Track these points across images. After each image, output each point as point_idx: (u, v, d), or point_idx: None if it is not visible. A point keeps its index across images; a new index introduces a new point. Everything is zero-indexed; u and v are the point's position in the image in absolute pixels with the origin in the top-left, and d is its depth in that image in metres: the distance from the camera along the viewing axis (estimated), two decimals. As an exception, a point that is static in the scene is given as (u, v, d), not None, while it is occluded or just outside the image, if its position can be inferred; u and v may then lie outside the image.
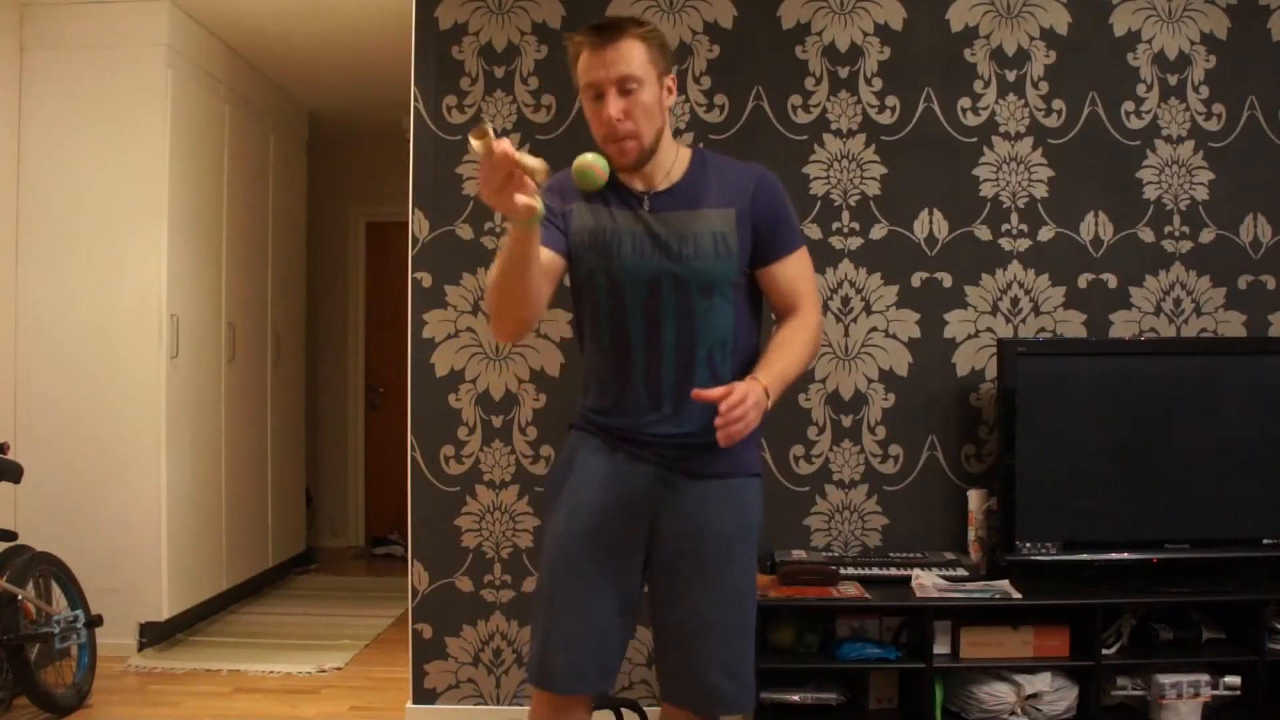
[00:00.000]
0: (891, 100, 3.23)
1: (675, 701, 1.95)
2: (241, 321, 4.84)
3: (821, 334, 2.04)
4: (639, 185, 1.92)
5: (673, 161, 1.94)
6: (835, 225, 3.22)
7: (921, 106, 3.23)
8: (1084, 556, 2.96)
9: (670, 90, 1.91)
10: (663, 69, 1.89)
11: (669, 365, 1.90)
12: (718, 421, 1.69)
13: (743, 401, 1.69)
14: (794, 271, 1.96)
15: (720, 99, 3.23)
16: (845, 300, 3.22)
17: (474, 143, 1.57)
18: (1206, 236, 3.24)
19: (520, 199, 1.58)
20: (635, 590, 1.95)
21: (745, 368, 1.92)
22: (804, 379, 3.20)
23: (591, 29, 1.86)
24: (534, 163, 1.59)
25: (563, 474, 1.99)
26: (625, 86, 1.83)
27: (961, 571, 2.95)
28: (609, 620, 1.91)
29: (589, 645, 1.90)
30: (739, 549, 1.94)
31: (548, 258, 1.85)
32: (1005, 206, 3.23)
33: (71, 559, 3.55)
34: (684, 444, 1.91)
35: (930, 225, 3.23)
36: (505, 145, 1.55)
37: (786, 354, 1.88)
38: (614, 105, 1.83)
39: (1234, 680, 2.84)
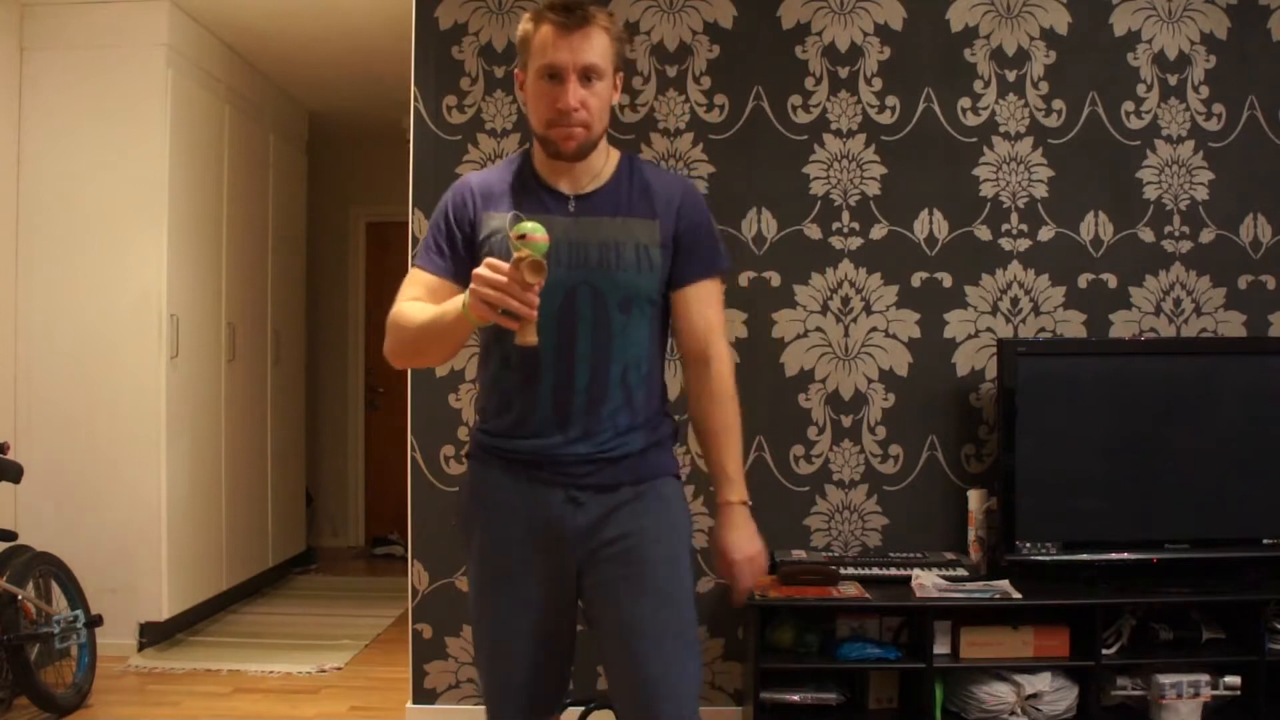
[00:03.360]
0: (891, 100, 3.23)
1: (619, 716, 1.85)
2: (241, 321, 4.84)
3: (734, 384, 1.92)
4: (564, 186, 1.81)
5: (603, 164, 1.84)
6: (835, 225, 3.22)
7: (921, 106, 3.23)
8: (1084, 556, 2.96)
9: (617, 89, 1.83)
10: (618, 66, 1.81)
11: (581, 383, 1.77)
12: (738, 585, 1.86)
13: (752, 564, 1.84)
14: (709, 297, 1.86)
15: (720, 99, 3.23)
16: (845, 300, 3.22)
17: (523, 258, 1.52)
18: (1206, 236, 3.24)
19: (526, 338, 1.57)
20: (573, 615, 1.85)
21: (654, 396, 1.85)
22: (804, 379, 3.21)
23: (560, 7, 1.75)
24: (541, 251, 1.54)
25: (468, 514, 1.86)
26: (587, 75, 1.74)
27: (961, 571, 2.95)
28: (551, 656, 1.84)
29: (537, 688, 1.83)
30: (663, 549, 1.81)
31: (451, 290, 1.77)
32: (1005, 206, 3.23)
33: (71, 559, 3.55)
34: (592, 460, 1.79)
35: (930, 225, 3.23)
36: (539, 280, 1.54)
37: (735, 447, 1.87)
38: (574, 93, 1.73)
39: (1234, 680, 2.84)
